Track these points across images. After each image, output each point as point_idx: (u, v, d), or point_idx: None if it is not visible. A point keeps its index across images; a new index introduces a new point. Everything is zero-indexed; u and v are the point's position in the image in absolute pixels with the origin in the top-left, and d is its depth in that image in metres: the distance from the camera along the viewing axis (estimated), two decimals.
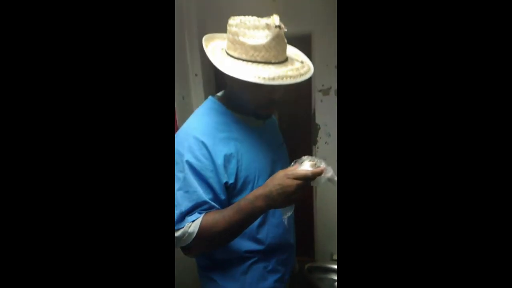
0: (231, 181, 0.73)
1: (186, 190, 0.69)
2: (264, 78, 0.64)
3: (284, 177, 0.64)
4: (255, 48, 0.65)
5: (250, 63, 0.66)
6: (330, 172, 0.66)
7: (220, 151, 0.71)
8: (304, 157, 0.69)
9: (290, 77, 0.67)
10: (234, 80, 0.68)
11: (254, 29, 0.64)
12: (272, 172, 0.82)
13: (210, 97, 0.83)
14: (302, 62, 0.74)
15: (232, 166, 0.73)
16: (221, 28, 0.76)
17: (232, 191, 0.75)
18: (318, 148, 2.02)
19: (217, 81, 2.04)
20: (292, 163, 0.70)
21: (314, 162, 0.67)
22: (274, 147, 0.88)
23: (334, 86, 1.89)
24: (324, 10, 1.75)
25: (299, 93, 2.01)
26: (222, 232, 0.68)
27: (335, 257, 2.06)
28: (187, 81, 1.78)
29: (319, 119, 1.97)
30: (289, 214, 0.73)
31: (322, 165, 0.66)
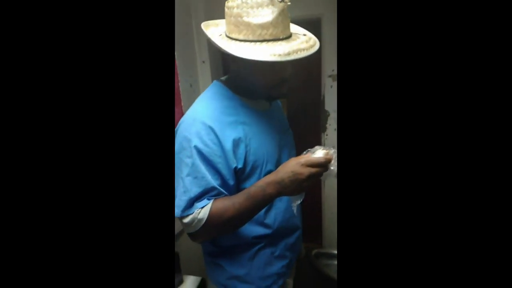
0: (239, 165, 0.72)
1: (195, 176, 0.69)
2: (279, 55, 0.62)
3: (296, 164, 0.64)
4: (262, 26, 0.62)
5: (259, 43, 0.63)
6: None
7: (228, 136, 0.71)
8: (316, 147, 0.69)
9: (303, 49, 0.65)
10: (242, 63, 0.68)
11: (258, 7, 0.62)
12: (279, 157, 0.82)
13: (215, 81, 0.81)
14: (305, 35, 0.73)
15: (241, 150, 0.72)
16: None
17: (240, 176, 0.74)
18: (327, 135, 2.00)
19: (225, 67, 2.02)
20: (304, 152, 0.70)
21: (327, 151, 0.67)
22: (281, 131, 0.87)
23: None
24: None
25: (308, 77, 1.98)
26: (232, 219, 0.69)
27: None
28: (194, 68, 1.77)
29: (328, 105, 1.94)
30: (298, 202, 0.73)
31: (334, 155, 0.66)
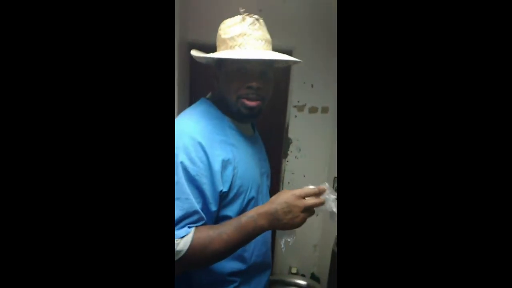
0: (225, 189, 0.67)
1: (178, 197, 0.61)
2: (238, 54, 0.66)
3: (291, 195, 0.61)
4: (232, 39, 0.69)
5: (229, 49, 0.70)
6: (335, 207, 0.64)
7: (217, 155, 0.66)
8: (309, 186, 0.67)
9: (266, 55, 0.69)
10: (218, 75, 0.73)
11: (231, 26, 0.70)
12: (261, 184, 0.79)
13: (202, 99, 0.79)
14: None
15: (228, 172, 0.68)
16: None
17: (223, 200, 0.68)
18: (288, 161, 2.05)
19: (192, 90, 2.02)
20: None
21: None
22: (262, 159, 0.86)
23: (309, 103, 1.95)
24: (307, 28, 1.81)
25: (274, 106, 2.04)
26: (217, 252, 0.62)
27: (293, 270, 2.07)
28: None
29: (291, 133, 2.01)
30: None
31: (332, 195, 0.65)
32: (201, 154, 0.64)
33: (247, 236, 0.63)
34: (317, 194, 0.63)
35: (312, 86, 1.91)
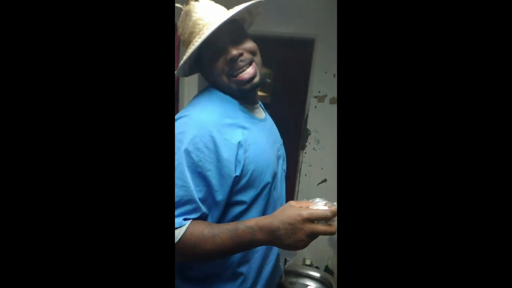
0: (236, 174, 0.63)
1: (175, 183, 0.58)
2: (201, 38, 0.63)
3: (297, 217, 0.53)
4: (192, 33, 0.66)
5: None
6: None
7: (226, 140, 0.62)
8: (317, 199, 0.59)
9: (225, 15, 0.63)
10: (203, 67, 0.71)
11: (183, 22, 0.69)
12: (276, 169, 0.75)
13: (208, 86, 0.75)
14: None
15: (240, 157, 0.63)
16: None
17: (235, 186, 0.64)
18: (305, 153, 2.02)
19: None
20: (304, 199, 0.60)
21: (325, 203, 0.57)
22: (277, 142, 0.81)
23: (330, 94, 1.89)
24: (329, 17, 1.74)
25: (293, 95, 2.00)
26: (207, 253, 0.58)
27: (307, 262, 2.07)
28: None
29: (310, 124, 1.97)
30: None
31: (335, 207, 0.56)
32: (207, 139, 0.60)
33: (242, 247, 0.58)
34: (328, 218, 0.54)
35: (334, 75, 1.85)
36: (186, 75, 0.76)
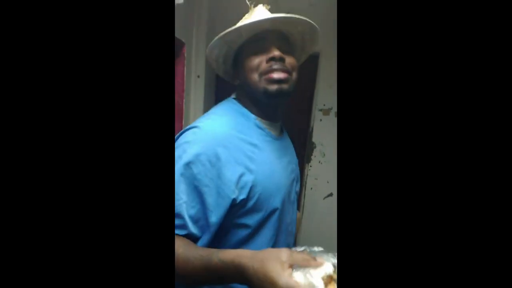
0: (242, 196, 0.58)
1: None
2: (246, 21, 0.63)
3: (280, 278, 0.42)
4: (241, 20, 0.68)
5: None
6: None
7: (233, 158, 0.58)
8: (316, 250, 0.48)
9: (273, 15, 0.64)
10: (240, 61, 0.69)
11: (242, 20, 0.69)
12: (288, 193, 0.70)
13: (229, 98, 0.74)
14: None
15: (246, 178, 0.59)
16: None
17: (240, 209, 0.60)
18: (311, 166, 2.01)
19: (218, 82, 2.02)
20: (300, 248, 0.51)
21: (325, 275, 0.44)
22: (292, 162, 0.77)
23: (335, 107, 1.89)
24: (333, 31, 1.76)
25: (298, 108, 2.01)
26: (180, 277, 0.53)
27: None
28: (188, 82, 1.76)
29: (316, 137, 1.96)
30: None
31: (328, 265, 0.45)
32: (212, 153, 0.57)
33: (216, 280, 0.51)
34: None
35: None
36: (214, 59, 0.73)
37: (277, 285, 0.42)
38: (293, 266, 0.44)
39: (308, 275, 0.43)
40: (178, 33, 1.50)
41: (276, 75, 0.63)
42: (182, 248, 0.53)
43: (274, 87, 0.63)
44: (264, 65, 0.64)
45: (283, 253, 0.45)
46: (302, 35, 0.72)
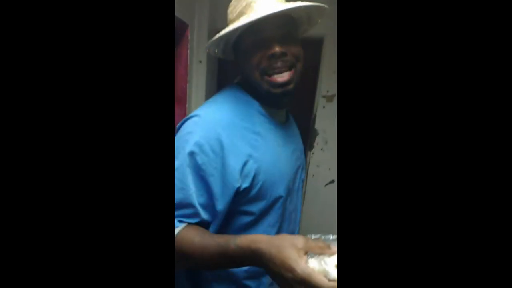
0: (245, 185, 0.58)
1: (175, 185, 0.56)
2: (246, 19, 0.57)
3: (298, 265, 0.43)
4: (241, 12, 0.61)
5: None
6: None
7: (236, 146, 0.58)
8: (330, 238, 0.49)
9: (281, 7, 0.56)
10: (239, 53, 0.65)
11: (238, 1, 0.63)
12: (293, 180, 0.70)
13: (231, 84, 0.72)
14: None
15: (249, 166, 0.59)
16: None
17: (243, 197, 0.60)
18: (313, 153, 2.00)
19: (220, 67, 2.00)
20: (316, 235, 0.50)
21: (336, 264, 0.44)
22: (297, 149, 0.75)
23: None
24: None
25: (302, 95, 1.99)
26: (193, 262, 0.54)
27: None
28: (190, 68, 1.74)
29: (318, 124, 1.95)
30: None
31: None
32: (215, 142, 0.56)
33: (233, 265, 0.53)
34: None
35: None
36: (215, 54, 0.70)
37: (294, 272, 0.43)
38: (308, 253, 0.45)
39: (322, 262, 0.44)
40: (182, 16, 1.48)
41: (280, 79, 0.60)
42: (198, 237, 0.54)
43: (278, 90, 0.61)
44: (264, 63, 0.60)
45: (299, 240, 0.46)
46: (308, 17, 0.69)
